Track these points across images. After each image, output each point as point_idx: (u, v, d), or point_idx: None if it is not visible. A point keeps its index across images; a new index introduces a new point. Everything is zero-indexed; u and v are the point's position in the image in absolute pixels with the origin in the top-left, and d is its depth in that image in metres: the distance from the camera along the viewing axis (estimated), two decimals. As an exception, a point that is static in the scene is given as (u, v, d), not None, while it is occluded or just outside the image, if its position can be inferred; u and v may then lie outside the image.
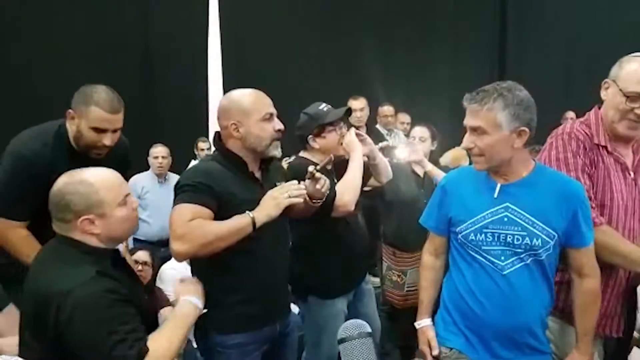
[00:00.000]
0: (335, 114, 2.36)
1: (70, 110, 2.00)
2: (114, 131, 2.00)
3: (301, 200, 1.82)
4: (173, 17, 5.98)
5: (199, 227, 1.69)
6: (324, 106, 2.39)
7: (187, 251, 1.71)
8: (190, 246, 1.69)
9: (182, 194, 1.76)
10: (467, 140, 1.68)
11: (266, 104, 1.89)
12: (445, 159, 3.68)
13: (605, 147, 1.81)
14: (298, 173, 2.03)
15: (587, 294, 1.71)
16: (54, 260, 1.49)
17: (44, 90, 5.93)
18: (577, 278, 1.72)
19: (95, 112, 1.94)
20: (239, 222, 1.73)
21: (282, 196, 1.78)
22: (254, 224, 1.73)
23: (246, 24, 6.01)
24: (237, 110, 1.86)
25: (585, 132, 1.80)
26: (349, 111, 2.46)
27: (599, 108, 1.88)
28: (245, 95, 1.89)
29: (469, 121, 1.67)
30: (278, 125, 1.88)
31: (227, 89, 5.06)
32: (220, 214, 1.76)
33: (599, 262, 1.72)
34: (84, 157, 1.98)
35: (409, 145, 3.23)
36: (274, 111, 1.90)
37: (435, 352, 1.81)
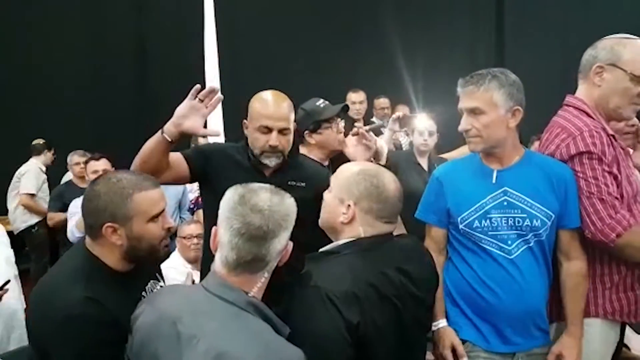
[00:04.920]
0: (332, 110, 2.35)
1: (107, 225, 1.42)
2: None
3: (193, 100, 1.75)
4: (167, 10, 5.96)
5: None
6: (321, 102, 2.39)
7: (131, 169, 1.74)
8: (132, 164, 1.77)
9: None
10: (465, 122, 1.73)
11: (265, 116, 1.85)
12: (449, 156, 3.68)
13: (613, 136, 1.77)
14: None
15: (576, 276, 1.74)
16: None
17: (39, 79, 5.94)
18: (565, 261, 1.76)
19: (144, 198, 1.45)
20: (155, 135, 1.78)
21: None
22: (162, 130, 1.75)
23: (242, 15, 5.99)
24: (249, 110, 1.91)
25: (601, 127, 1.73)
26: (346, 107, 2.44)
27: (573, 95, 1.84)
28: (259, 100, 1.91)
29: (465, 103, 1.72)
30: (272, 141, 1.84)
31: (223, 84, 5.03)
32: (208, 182, 1.89)
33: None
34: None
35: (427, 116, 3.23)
36: (275, 126, 1.85)
37: (465, 359, 1.76)
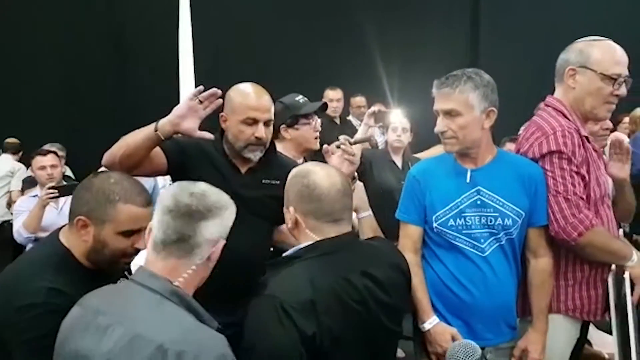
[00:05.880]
0: (311, 106, 2.35)
1: (80, 218, 1.42)
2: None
3: (193, 101, 1.70)
4: (141, 4, 5.88)
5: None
6: (300, 97, 2.38)
7: (105, 159, 1.73)
8: (108, 153, 1.72)
9: None
10: (440, 124, 1.75)
11: (252, 108, 1.82)
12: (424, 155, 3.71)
13: (587, 137, 1.82)
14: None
15: (543, 273, 1.79)
16: None
17: (12, 74, 5.81)
18: (532, 259, 1.80)
19: (126, 211, 1.42)
20: (145, 127, 1.72)
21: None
22: (156, 127, 1.69)
23: (219, 12, 5.95)
24: (228, 103, 1.86)
25: (574, 128, 1.77)
26: (325, 106, 2.44)
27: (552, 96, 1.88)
28: (240, 92, 1.87)
29: (441, 105, 1.74)
30: (258, 132, 1.82)
31: (199, 79, 4.99)
32: (183, 176, 1.77)
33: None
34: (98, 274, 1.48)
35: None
36: (261, 117, 1.83)
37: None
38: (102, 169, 1.80)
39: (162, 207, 1.26)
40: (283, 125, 2.34)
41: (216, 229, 1.28)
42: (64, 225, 1.52)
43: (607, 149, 3.54)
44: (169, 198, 1.26)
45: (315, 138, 2.36)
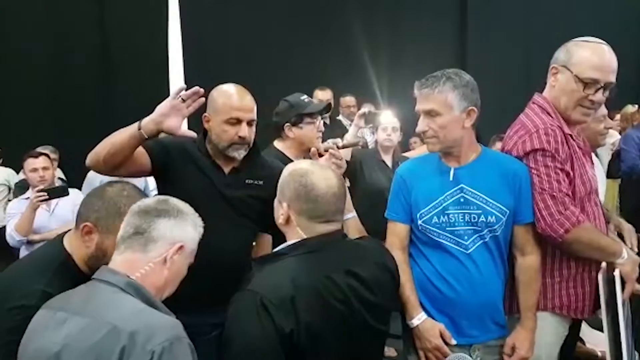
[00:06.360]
0: (316, 106, 2.39)
1: (87, 224, 1.46)
2: None
3: (176, 100, 1.70)
4: (132, 13, 5.85)
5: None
6: (305, 97, 2.40)
7: (89, 158, 1.74)
8: (93, 152, 1.73)
9: None
10: (422, 124, 1.77)
11: (235, 108, 1.84)
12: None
13: (570, 135, 1.82)
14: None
15: (530, 270, 1.80)
16: None
17: (6, 88, 5.76)
18: (520, 256, 1.81)
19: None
20: (129, 126, 1.72)
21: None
22: (139, 126, 1.69)
23: (208, 12, 5.92)
24: (212, 104, 1.88)
25: (557, 126, 1.78)
26: (329, 107, 2.45)
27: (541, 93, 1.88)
28: (223, 93, 1.88)
29: (421, 105, 1.76)
30: (242, 132, 1.83)
31: (188, 79, 4.96)
32: (166, 177, 1.86)
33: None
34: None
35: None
36: (245, 117, 1.85)
37: (454, 342, 1.77)
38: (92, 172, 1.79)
39: (129, 211, 1.32)
40: (287, 124, 2.34)
41: (174, 230, 1.30)
42: (70, 229, 1.55)
43: (601, 149, 3.57)
44: (137, 203, 1.34)
45: (318, 138, 2.37)
